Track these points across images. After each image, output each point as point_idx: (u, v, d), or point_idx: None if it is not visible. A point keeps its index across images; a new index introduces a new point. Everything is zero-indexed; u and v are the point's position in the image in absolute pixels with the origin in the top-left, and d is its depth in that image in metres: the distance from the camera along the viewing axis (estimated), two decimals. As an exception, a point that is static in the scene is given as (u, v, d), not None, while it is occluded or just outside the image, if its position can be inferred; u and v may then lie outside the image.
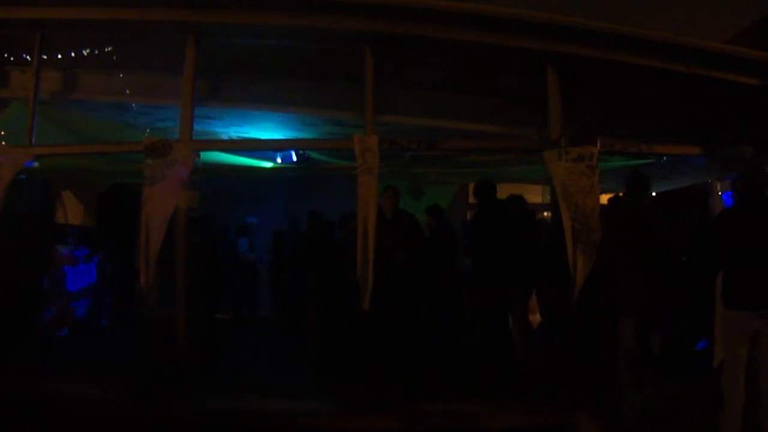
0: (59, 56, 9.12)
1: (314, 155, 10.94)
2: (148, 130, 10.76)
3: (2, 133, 9.15)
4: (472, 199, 14.27)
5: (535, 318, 10.13)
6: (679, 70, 8.51)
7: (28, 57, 8.93)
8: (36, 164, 8.61)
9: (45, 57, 8.80)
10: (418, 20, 8.05)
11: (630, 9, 8.31)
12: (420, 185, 13.66)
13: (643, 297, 6.90)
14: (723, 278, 6.57)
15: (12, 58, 9.35)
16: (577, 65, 8.45)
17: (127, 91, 9.68)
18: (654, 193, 13.35)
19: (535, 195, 14.89)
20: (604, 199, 9.65)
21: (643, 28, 8.35)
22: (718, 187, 12.35)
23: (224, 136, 11.61)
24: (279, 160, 11.58)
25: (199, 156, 8.20)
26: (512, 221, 9.04)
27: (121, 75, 9.62)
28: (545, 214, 13.87)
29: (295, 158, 11.35)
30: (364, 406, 7.55)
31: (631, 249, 7.03)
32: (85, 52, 9.19)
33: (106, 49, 9.18)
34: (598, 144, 7.77)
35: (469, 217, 14.38)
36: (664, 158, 9.51)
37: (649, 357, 7.11)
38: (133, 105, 10.09)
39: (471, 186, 13.76)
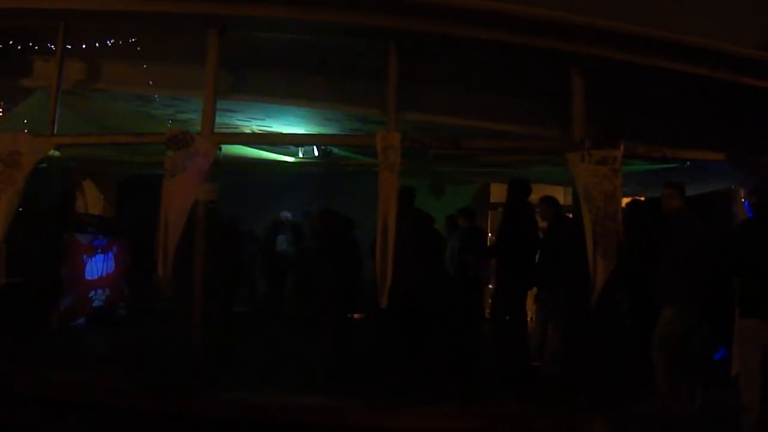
0: (83, 46, 9.13)
1: (336, 151, 10.93)
2: (169, 122, 10.80)
3: (25, 121, 9.16)
4: (493, 198, 14.27)
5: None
6: (705, 75, 8.42)
7: (52, 46, 8.95)
8: (57, 153, 8.62)
9: (69, 47, 8.81)
10: (442, 17, 8.00)
11: (656, 11, 8.21)
12: (441, 183, 13.64)
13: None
14: (740, 288, 6.58)
15: (36, 48, 9.38)
16: (601, 67, 8.36)
17: (150, 83, 9.69)
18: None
19: (557, 196, 14.70)
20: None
21: (669, 32, 8.26)
22: (742, 194, 12.23)
23: (246, 130, 11.61)
24: (300, 155, 11.57)
25: (220, 149, 8.19)
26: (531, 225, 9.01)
27: (144, 66, 9.62)
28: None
29: (316, 153, 11.35)
30: (378, 404, 7.50)
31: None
32: (108, 43, 9.20)
33: (129, 40, 9.18)
34: (622, 147, 7.69)
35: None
36: (687, 163, 9.42)
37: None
38: (156, 96, 10.10)
39: (492, 185, 13.77)
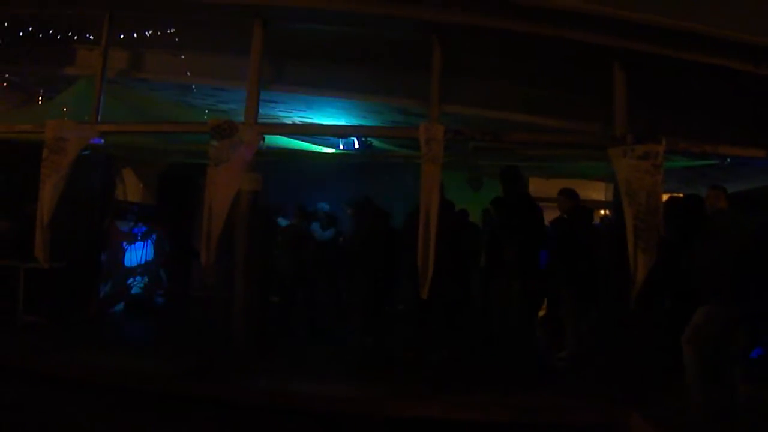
0: (121, 36, 9.21)
1: (376, 143, 10.93)
2: (206, 112, 10.87)
3: (64, 109, 9.27)
4: (532, 192, 14.19)
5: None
6: (748, 71, 8.32)
7: (91, 36, 9.07)
8: (102, 141, 8.71)
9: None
10: (484, 11, 7.98)
11: (697, 5, 8.11)
12: (480, 177, 13.61)
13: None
14: None
15: (75, 37, 9.49)
16: (643, 62, 8.30)
17: (189, 73, 9.76)
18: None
19: (597, 192, 14.66)
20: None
21: (711, 26, 8.16)
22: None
23: (288, 121, 11.66)
24: (341, 147, 11.59)
25: (263, 139, 8.21)
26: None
27: (185, 56, 9.70)
28: (603, 212, 13.69)
29: (357, 145, 11.35)
30: (409, 394, 7.45)
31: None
32: (148, 33, 9.29)
33: (171, 30, 9.26)
34: (664, 142, 7.64)
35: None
36: (728, 160, 9.32)
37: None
38: (193, 87, 10.17)
39: (531, 180, 13.65)
